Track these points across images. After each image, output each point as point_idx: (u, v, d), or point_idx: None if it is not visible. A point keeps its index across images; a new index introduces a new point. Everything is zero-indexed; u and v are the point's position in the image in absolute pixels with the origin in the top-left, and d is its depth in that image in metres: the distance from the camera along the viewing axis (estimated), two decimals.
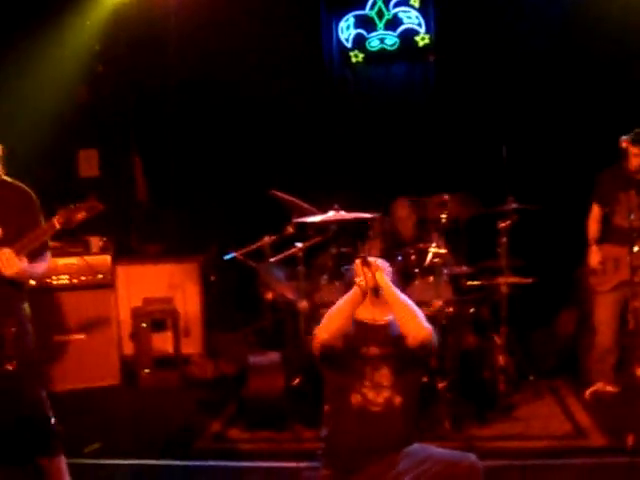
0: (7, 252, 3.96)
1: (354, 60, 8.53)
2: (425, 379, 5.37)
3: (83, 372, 6.94)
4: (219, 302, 7.89)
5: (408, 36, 8.38)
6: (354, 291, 3.83)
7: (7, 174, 4.26)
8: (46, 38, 7.31)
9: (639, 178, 5.83)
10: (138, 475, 5.09)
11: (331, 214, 5.73)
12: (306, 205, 6.10)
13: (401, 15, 8.37)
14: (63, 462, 4.29)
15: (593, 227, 6.28)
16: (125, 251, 7.94)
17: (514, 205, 6.10)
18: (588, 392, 6.20)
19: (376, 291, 3.79)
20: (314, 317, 5.85)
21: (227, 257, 6.40)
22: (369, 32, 8.45)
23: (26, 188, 4.27)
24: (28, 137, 6.68)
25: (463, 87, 8.03)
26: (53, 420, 4.22)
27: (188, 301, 7.73)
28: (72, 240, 7.06)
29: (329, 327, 3.79)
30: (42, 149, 7.16)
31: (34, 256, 4.12)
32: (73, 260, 7.07)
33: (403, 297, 3.81)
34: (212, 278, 7.76)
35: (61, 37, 7.50)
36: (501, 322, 6.17)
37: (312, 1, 8.45)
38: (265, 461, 5.14)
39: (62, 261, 7.01)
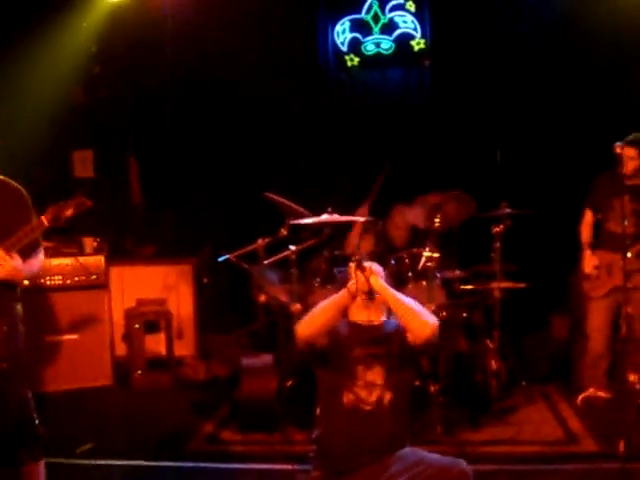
0: None
1: (350, 64, 8.54)
2: (418, 383, 5.40)
3: (76, 372, 6.93)
4: (212, 304, 7.89)
5: (404, 40, 8.39)
6: (342, 293, 3.84)
7: (2, 174, 4.24)
8: (43, 39, 7.30)
9: (633, 184, 5.85)
10: (130, 476, 5.08)
11: (324, 217, 5.74)
12: (300, 208, 6.10)
13: (397, 19, 8.38)
14: (42, 467, 4.23)
15: (586, 232, 6.29)
16: (119, 252, 7.94)
17: (508, 210, 6.11)
18: (580, 398, 6.21)
19: (370, 295, 3.80)
20: None
21: (221, 259, 6.40)
22: (365, 36, 8.46)
23: (17, 185, 4.24)
24: (24, 138, 6.67)
25: (458, 92, 8.04)
26: (37, 423, 4.18)
27: (181, 303, 7.74)
28: (66, 240, 7.06)
29: (310, 324, 3.81)
30: (37, 150, 7.14)
31: (26, 254, 4.10)
32: (67, 261, 7.06)
33: (402, 297, 3.82)
34: (205, 280, 7.76)
35: (58, 38, 7.48)
36: (494, 327, 6.17)
37: (309, 4, 8.45)
38: (258, 463, 5.15)
39: (56, 261, 7.00)
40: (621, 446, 4.87)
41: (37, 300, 6.75)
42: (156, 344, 7.29)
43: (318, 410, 3.98)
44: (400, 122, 8.24)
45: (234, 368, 6.55)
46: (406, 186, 7.49)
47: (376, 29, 8.42)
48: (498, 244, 6.14)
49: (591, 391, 6.20)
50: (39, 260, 4.24)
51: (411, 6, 8.34)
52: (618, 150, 5.55)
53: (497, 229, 6.13)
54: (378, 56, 8.49)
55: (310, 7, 8.46)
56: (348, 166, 8.09)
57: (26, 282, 4.30)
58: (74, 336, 7.02)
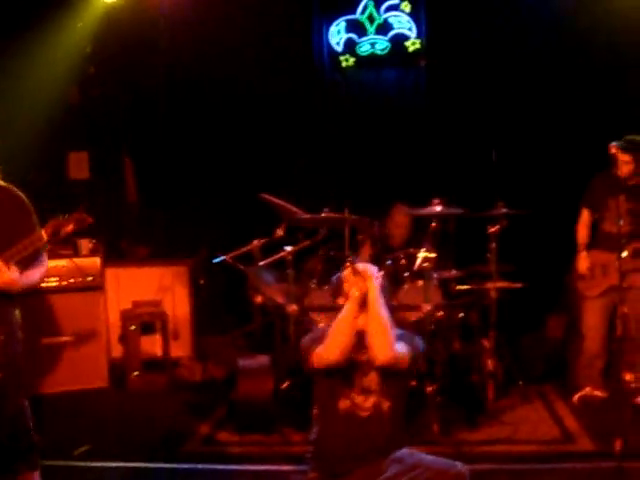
0: None
1: (345, 64, 8.54)
2: (414, 383, 5.40)
3: (72, 374, 6.90)
4: (208, 305, 7.88)
5: (399, 41, 8.40)
6: (350, 307, 3.80)
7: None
8: (38, 39, 7.29)
9: (629, 184, 5.87)
10: (126, 478, 5.07)
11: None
12: (295, 209, 6.11)
13: (392, 20, 8.39)
14: (38, 476, 4.20)
15: (583, 232, 6.30)
16: (115, 253, 7.93)
17: (504, 210, 6.12)
18: (576, 397, 6.21)
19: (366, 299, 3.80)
20: (303, 321, 5.87)
21: (217, 260, 6.39)
22: (360, 36, 8.47)
23: (19, 192, 4.23)
24: (19, 139, 6.65)
25: (454, 92, 8.05)
26: (32, 432, 4.16)
27: (177, 304, 7.73)
28: (61, 242, 7.04)
29: (335, 349, 3.74)
30: (32, 151, 7.13)
31: (26, 265, 4.09)
32: (62, 262, 7.03)
33: (384, 314, 3.78)
34: (201, 281, 7.74)
35: (53, 39, 7.47)
36: (490, 327, 6.17)
37: (304, 5, 8.45)
38: (254, 464, 5.14)
39: (51, 263, 6.87)
40: (617, 445, 4.87)
41: (33, 302, 6.71)
42: (152, 345, 7.27)
43: (315, 411, 3.97)
44: (395, 122, 8.25)
45: (230, 369, 6.53)
46: (401, 186, 7.52)
47: (371, 29, 8.43)
48: (494, 244, 6.14)
49: (587, 390, 6.20)
50: (40, 271, 4.22)
51: (406, 7, 8.35)
52: (613, 150, 5.57)
53: (493, 229, 6.13)
54: (373, 56, 8.49)
55: (305, 8, 8.45)
56: (343, 166, 8.09)
57: None
58: (70, 338, 7.00)
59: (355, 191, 7.54)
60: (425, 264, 5.91)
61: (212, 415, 6.20)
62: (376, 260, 5.72)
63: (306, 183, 7.77)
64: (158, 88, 8.36)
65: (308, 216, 5.96)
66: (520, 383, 6.40)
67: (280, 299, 6.12)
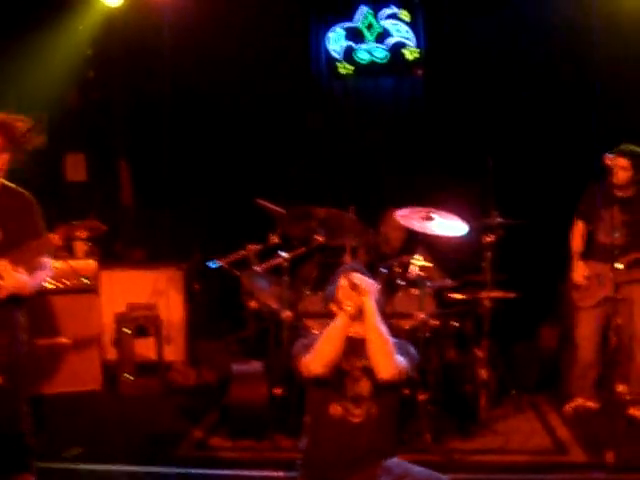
0: (3, 264, 3.94)
1: (343, 72, 8.54)
2: (406, 392, 5.38)
3: (65, 376, 6.90)
4: (203, 310, 7.88)
5: (397, 49, 8.41)
6: (341, 320, 3.79)
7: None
8: (38, 42, 7.30)
9: (622, 195, 5.88)
10: None
11: None
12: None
13: (391, 28, 8.41)
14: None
15: (577, 242, 6.30)
16: (110, 256, 7.92)
17: (499, 219, 6.13)
18: (569, 407, 6.22)
19: (361, 312, 3.79)
20: (297, 327, 5.87)
21: (211, 265, 6.39)
22: (358, 44, 8.48)
23: (28, 195, 4.24)
24: None
25: (450, 101, 8.07)
26: (28, 435, 4.16)
27: (172, 308, 7.72)
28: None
29: (321, 360, 3.73)
30: (29, 152, 7.11)
31: (33, 268, 4.10)
32: (58, 264, 7.02)
33: (384, 330, 3.77)
34: (196, 286, 7.74)
35: (53, 41, 7.48)
36: (484, 336, 6.17)
37: (303, 14, 8.47)
38: (246, 469, 5.15)
39: None
40: (609, 456, 4.89)
41: (28, 303, 6.71)
42: (146, 349, 7.27)
43: (306, 419, 3.98)
44: (392, 130, 8.28)
45: (224, 374, 6.53)
46: (397, 193, 7.53)
47: (370, 38, 8.44)
48: (489, 254, 6.15)
49: (579, 401, 6.21)
50: (46, 274, 4.24)
51: (405, 16, 8.36)
52: (608, 161, 5.58)
53: (488, 239, 6.14)
54: (371, 65, 8.50)
55: (304, 16, 8.47)
56: (340, 173, 8.11)
57: None
58: (64, 340, 6.99)
59: (351, 197, 7.56)
60: (420, 273, 5.89)
61: (205, 420, 6.21)
62: (370, 268, 5.71)
63: (301, 189, 7.78)
64: (156, 92, 8.36)
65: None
66: (513, 393, 6.41)
67: (274, 305, 6.12)
